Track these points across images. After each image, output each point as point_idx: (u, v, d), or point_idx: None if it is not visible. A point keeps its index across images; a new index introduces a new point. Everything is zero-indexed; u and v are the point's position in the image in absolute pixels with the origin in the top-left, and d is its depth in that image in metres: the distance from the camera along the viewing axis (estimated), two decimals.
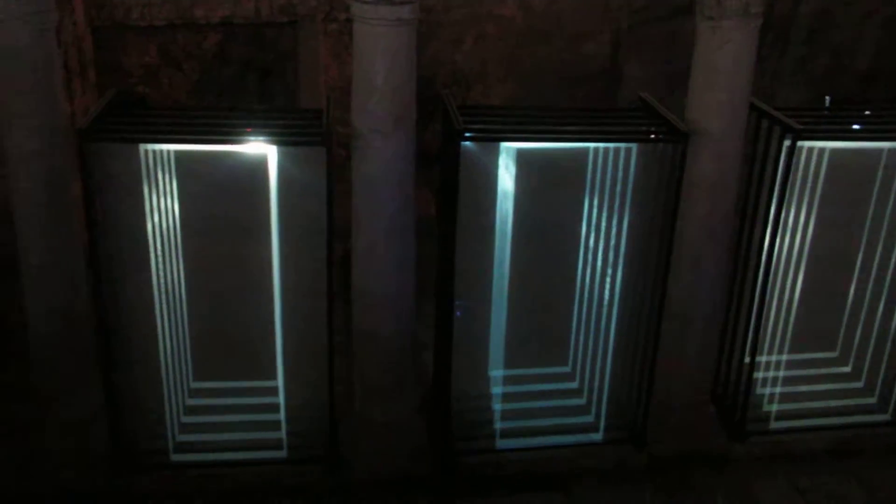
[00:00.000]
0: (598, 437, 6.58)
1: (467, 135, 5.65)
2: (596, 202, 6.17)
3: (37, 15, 5.28)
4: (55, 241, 5.70)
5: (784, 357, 6.93)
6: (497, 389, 6.61)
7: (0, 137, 5.58)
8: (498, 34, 8.36)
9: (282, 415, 6.33)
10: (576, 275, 6.43)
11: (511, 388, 6.60)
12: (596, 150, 6.06)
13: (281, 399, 6.32)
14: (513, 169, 6.04)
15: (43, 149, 5.50)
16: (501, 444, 6.48)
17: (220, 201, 5.87)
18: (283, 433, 6.31)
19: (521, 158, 6.01)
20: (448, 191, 5.91)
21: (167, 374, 6.18)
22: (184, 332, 6.29)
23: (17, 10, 5.21)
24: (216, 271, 6.11)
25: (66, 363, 5.96)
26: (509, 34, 8.37)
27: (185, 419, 6.40)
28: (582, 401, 6.69)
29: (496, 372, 6.59)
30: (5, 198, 5.81)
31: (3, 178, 5.81)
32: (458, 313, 6.09)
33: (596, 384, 6.60)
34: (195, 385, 6.50)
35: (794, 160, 6.04)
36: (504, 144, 5.93)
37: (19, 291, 5.98)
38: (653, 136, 5.93)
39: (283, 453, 6.28)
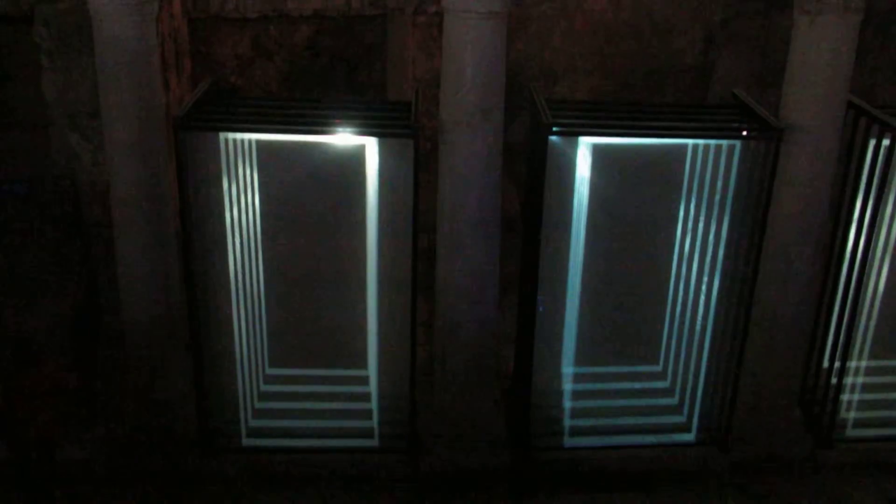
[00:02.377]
0: (690, 437, 6.50)
1: (555, 129, 5.62)
2: (694, 202, 6.06)
3: (139, 5, 5.43)
4: (149, 227, 5.86)
5: (864, 363, 6.72)
6: (577, 386, 6.56)
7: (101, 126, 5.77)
8: (587, 28, 8.29)
9: (373, 403, 6.38)
10: (669, 274, 6.32)
11: (594, 386, 6.54)
12: (695, 147, 5.94)
13: (373, 387, 6.36)
14: (596, 164, 5.95)
15: (140, 137, 5.67)
16: (580, 441, 6.44)
17: (303, 191, 5.94)
18: (373, 421, 6.36)
19: (604, 154, 5.92)
20: (534, 184, 5.89)
21: (241, 360, 6.28)
22: (261, 320, 6.37)
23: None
24: (295, 261, 6.18)
25: (158, 346, 6.12)
26: (598, 28, 8.30)
27: (259, 405, 6.50)
28: (673, 401, 6.60)
29: (579, 369, 6.53)
30: (104, 182, 5.99)
31: (103, 165, 6.00)
32: (540, 308, 6.08)
33: (690, 385, 6.49)
34: (270, 371, 6.57)
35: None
36: (585, 139, 5.84)
37: (111, 275, 6.17)
38: (744, 132, 5.81)
39: (372, 441, 6.35)
